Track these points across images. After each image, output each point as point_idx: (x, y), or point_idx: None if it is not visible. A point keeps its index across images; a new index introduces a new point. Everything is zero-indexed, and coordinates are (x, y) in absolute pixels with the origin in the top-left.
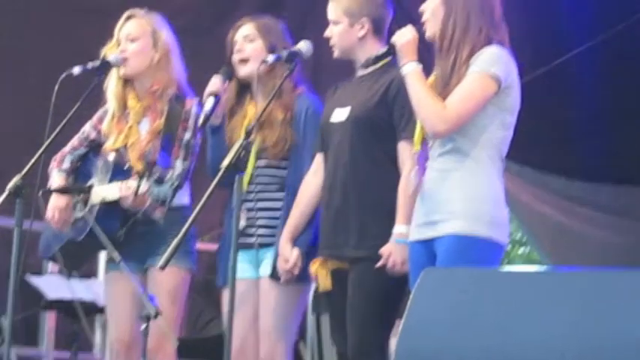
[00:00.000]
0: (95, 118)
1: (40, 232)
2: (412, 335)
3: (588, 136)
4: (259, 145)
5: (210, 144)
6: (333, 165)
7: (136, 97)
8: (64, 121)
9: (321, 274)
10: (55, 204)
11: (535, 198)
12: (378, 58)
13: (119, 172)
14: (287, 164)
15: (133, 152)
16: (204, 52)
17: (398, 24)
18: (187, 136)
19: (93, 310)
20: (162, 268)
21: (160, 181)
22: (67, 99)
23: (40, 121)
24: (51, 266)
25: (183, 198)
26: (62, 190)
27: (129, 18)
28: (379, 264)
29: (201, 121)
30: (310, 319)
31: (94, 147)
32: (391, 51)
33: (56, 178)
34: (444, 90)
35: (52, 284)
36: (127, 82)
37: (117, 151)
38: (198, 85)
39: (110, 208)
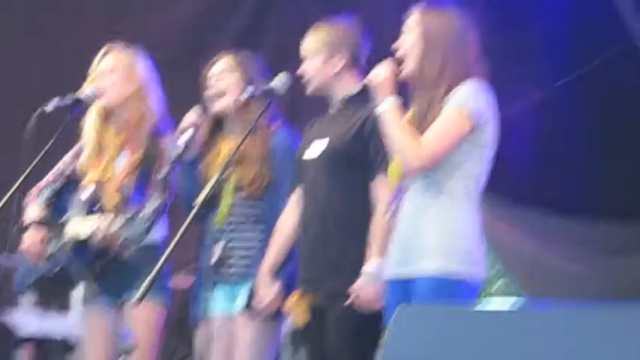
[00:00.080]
0: (71, 153)
1: (16, 267)
2: None
3: (564, 171)
4: (236, 183)
5: (185, 177)
6: (308, 199)
7: (113, 132)
8: (38, 157)
9: (298, 308)
10: (31, 238)
11: (510, 232)
12: (353, 98)
13: (95, 207)
14: (263, 201)
15: (109, 187)
16: (181, 85)
17: (375, 59)
18: (162, 172)
19: (67, 345)
20: (138, 302)
21: (131, 221)
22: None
23: (14, 156)
24: (26, 301)
25: (158, 233)
26: (39, 226)
27: (107, 52)
28: (348, 301)
29: (176, 154)
30: (285, 354)
31: (70, 182)
32: (367, 88)
33: (32, 211)
34: (420, 126)
35: (27, 319)
36: (105, 116)
37: (93, 185)
38: (174, 119)
39: (85, 243)
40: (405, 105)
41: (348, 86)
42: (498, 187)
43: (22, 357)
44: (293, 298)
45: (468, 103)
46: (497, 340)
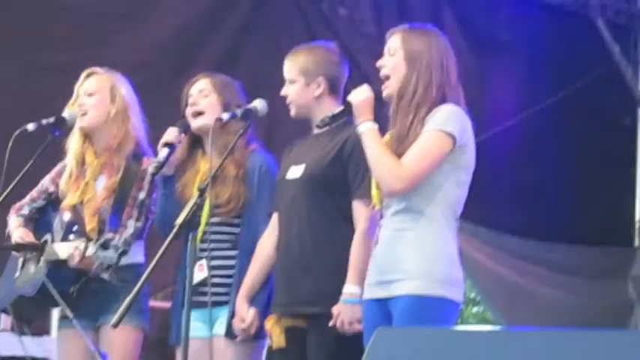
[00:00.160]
0: (54, 172)
1: None
2: None
3: (542, 196)
4: (212, 202)
5: (161, 194)
6: (286, 222)
7: (93, 153)
8: (18, 177)
9: (275, 331)
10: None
11: (489, 257)
12: (334, 117)
13: (73, 229)
14: (240, 222)
15: (88, 209)
16: (161, 107)
17: (354, 83)
18: (142, 195)
19: None
20: (115, 326)
21: (105, 245)
22: (23, 155)
23: None
24: (2, 322)
25: (137, 256)
26: (16, 248)
27: (89, 75)
28: (331, 323)
29: (152, 169)
30: None
31: (52, 200)
32: (347, 109)
33: (13, 222)
34: (399, 148)
35: (3, 341)
36: (86, 138)
37: (73, 207)
38: (155, 141)
39: (62, 265)
40: (382, 128)
41: (328, 110)
42: (477, 214)
43: None
44: (270, 322)
45: (448, 124)
46: None
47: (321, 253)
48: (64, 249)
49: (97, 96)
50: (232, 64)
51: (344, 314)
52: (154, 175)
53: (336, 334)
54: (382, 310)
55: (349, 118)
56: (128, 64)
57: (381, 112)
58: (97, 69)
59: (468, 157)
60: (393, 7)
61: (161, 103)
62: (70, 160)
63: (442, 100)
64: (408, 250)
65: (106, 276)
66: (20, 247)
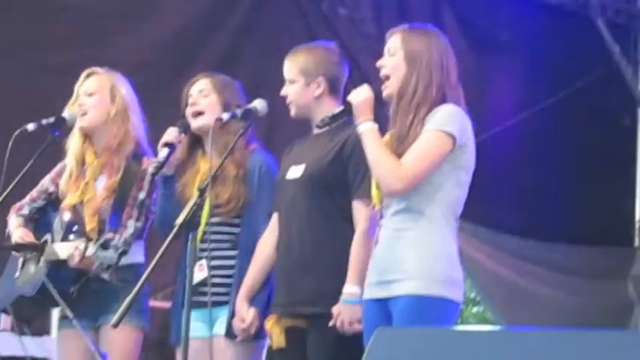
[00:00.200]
0: (54, 172)
1: None
2: None
3: (542, 196)
4: (212, 202)
5: (161, 194)
6: (286, 222)
7: (93, 153)
8: (18, 177)
9: (274, 331)
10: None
11: (489, 257)
12: (334, 117)
13: (73, 229)
14: (240, 222)
15: (88, 209)
16: (161, 107)
17: (353, 83)
18: (142, 195)
19: None
20: (115, 326)
21: (105, 245)
22: (23, 155)
23: None
24: (2, 322)
25: (137, 256)
26: (16, 248)
27: (89, 75)
28: (331, 323)
29: (152, 169)
30: None
31: (52, 200)
32: (347, 109)
33: (13, 222)
34: (399, 147)
35: (3, 341)
36: (86, 138)
37: (73, 207)
38: (155, 141)
39: (62, 265)
40: (382, 128)
41: (328, 110)
42: (477, 214)
43: None
44: (270, 322)
45: (448, 124)
46: None
47: (321, 253)
48: (64, 249)
49: (97, 96)
50: (232, 64)
51: (344, 314)
52: (154, 175)
53: (336, 334)
54: (382, 310)
55: (349, 118)
56: (128, 64)
57: (381, 112)
58: (97, 69)
59: (468, 157)
60: (393, 7)
61: (161, 103)
62: (70, 160)
63: (442, 100)
64: (408, 250)
65: (106, 276)
66: (20, 247)
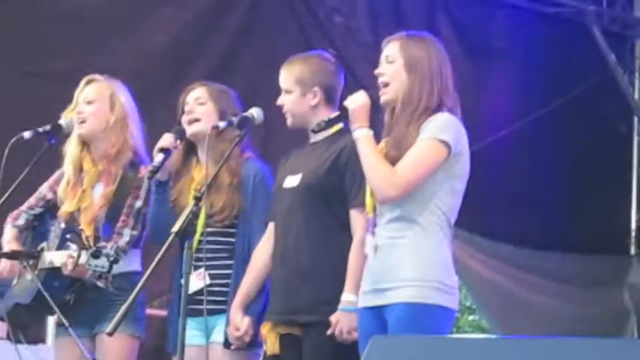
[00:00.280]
0: (52, 179)
1: None
2: None
3: (537, 204)
4: (207, 211)
5: (154, 199)
6: (283, 231)
7: (91, 161)
8: (14, 185)
9: (270, 338)
10: (3, 266)
11: (484, 265)
12: (330, 122)
13: (69, 237)
14: (235, 231)
15: (85, 217)
16: (158, 115)
17: (350, 91)
18: (138, 204)
19: None
20: (111, 334)
21: (95, 254)
22: (20, 163)
23: None
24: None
25: (133, 264)
26: (12, 255)
27: (89, 82)
28: (329, 332)
29: (148, 174)
30: None
31: (51, 207)
32: (343, 115)
33: (7, 233)
34: (396, 154)
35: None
36: (84, 145)
37: (70, 215)
38: (151, 149)
39: (58, 273)
40: (377, 135)
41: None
42: (472, 222)
43: None
44: (265, 328)
45: (443, 132)
46: None
47: (318, 262)
48: (59, 257)
49: (96, 104)
50: (229, 72)
51: (342, 322)
52: (149, 179)
53: (331, 342)
54: (377, 318)
55: (345, 127)
56: (125, 72)
57: (376, 118)
58: (97, 76)
59: (463, 166)
60: (389, 15)
61: (158, 111)
62: (67, 167)
63: (440, 107)
64: (403, 258)
65: (101, 284)
66: (16, 255)
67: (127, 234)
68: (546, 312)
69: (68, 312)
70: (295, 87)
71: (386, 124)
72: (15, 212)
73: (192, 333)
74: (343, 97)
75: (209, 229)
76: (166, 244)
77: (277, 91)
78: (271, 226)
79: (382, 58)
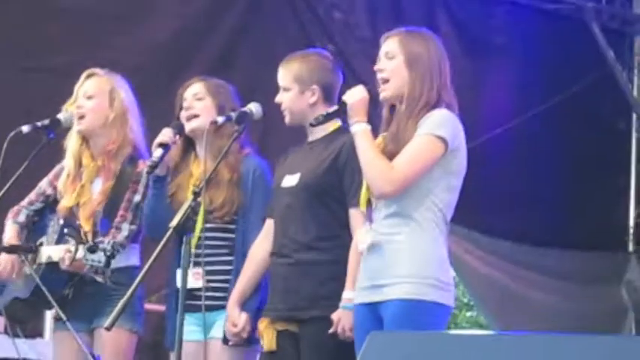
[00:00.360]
0: (51, 174)
1: None
2: None
3: (536, 201)
4: (206, 207)
5: (151, 194)
6: (282, 228)
7: (90, 156)
8: (12, 179)
9: (267, 333)
10: (3, 262)
11: (482, 262)
12: (328, 116)
13: (67, 231)
14: (235, 227)
15: (83, 212)
16: (157, 110)
17: (348, 87)
18: (137, 198)
19: None
20: (109, 328)
21: (92, 249)
22: (18, 157)
23: None
24: None
25: (132, 259)
26: (10, 250)
27: (89, 76)
28: (331, 330)
29: (147, 168)
30: None
31: (51, 203)
32: (342, 109)
33: (8, 230)
34: (393, 149)
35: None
36: (84, 140)
37: (69, 209)
38: (150, 144)
39: (56, 267)
40: (375, 129)
41: None
42: (470, 218)
43: None
44: (262, 323)
45: (440, 128)
46: None
47: (317, 259)
48: (57, 251)
49: (95, 100)
50: (227, 68)
51: (344, 320)
52: (148, 173)
53: (328, 339)
54: (373, 314)
55: (343, 126)
56: (124, 67)
57: (374, 113)
58: (98, 70)
59: (459, 162)
60: (387, 10)
61: (157, 106)
62: (68, 161)
63: (438, 102)
64: (399, 254)
65: (99, 278)
66: (15, 250)
67: (125, 229)
68: (544, 308)
69: (66, 306)
70: (293, 85)
71: (384, 119)
72: (15, 208)
73: (191, 328)
74: (341, 94)
75: (209, 225)
76: (164, 238)
77: (276, 88)
78: (269, 222)
79: (381, 53)
